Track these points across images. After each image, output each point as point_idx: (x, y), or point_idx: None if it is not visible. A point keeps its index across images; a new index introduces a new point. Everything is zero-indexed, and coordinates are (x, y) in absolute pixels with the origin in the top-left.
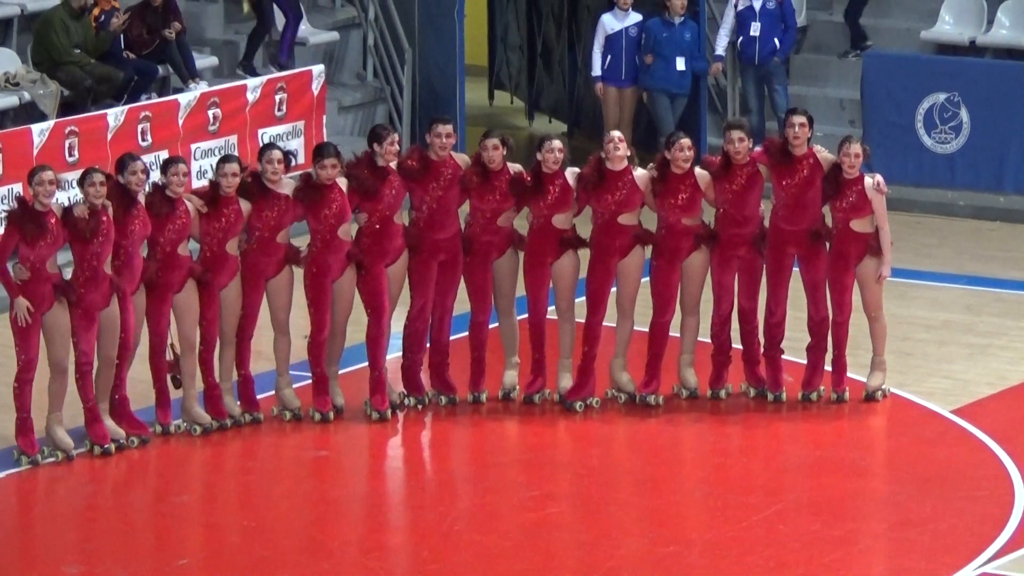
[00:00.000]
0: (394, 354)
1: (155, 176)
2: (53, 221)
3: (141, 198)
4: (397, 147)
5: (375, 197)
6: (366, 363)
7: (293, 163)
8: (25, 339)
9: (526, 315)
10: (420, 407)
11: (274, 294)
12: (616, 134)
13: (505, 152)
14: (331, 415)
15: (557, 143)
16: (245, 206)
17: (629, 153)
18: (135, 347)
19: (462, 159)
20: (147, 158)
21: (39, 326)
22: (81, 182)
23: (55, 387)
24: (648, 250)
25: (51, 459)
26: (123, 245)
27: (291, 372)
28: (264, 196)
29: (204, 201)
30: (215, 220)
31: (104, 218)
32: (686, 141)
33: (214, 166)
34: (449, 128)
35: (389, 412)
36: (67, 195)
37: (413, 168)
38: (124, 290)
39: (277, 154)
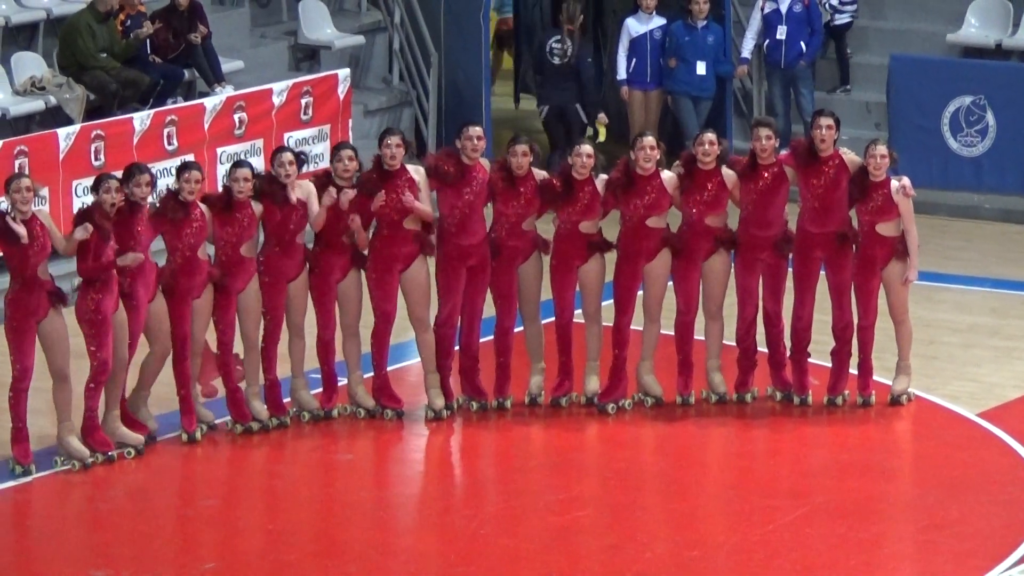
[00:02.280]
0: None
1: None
2: (39, 228)
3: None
4: (394, 150)
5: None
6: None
7: (307, 167)
8: (19, 347)
9: (551, 319)
10: (449, 412)
11: (293, 297)
12: (649, 141)
13: (532, 159)
14: (343, 409)
15: (587, 148)
16: (258, 209)
17: (659, 156)
18: (133, 355)
19: (485, 164)
20: (173, 162)
21: (33, 334)
22: (95, 188)
23: (60, 396)
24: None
25: (67, 467)
26: (133, 249)
27: (308, 375)
28: (277, 199)
29: (219, 207)
30: (229, 224)
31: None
32: (709, 136)
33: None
34: (480, 131)
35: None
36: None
37: (449, 173)
38: (138, 297)
39: (288, 156)
